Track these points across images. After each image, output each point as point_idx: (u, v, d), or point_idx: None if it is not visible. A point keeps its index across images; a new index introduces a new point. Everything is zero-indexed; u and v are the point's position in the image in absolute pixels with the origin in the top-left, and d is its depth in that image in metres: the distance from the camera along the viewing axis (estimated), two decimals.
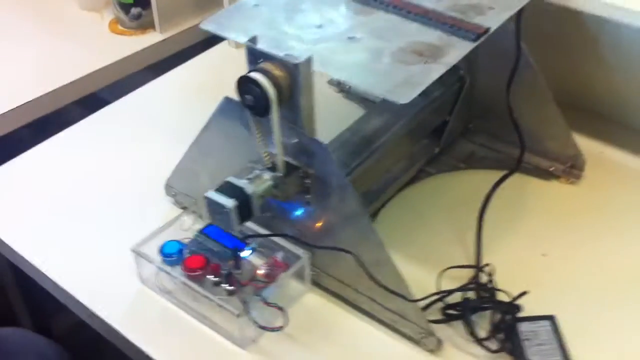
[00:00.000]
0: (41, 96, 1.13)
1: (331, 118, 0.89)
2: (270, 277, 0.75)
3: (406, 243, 0.84)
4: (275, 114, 0.66)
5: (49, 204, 0.92)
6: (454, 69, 0.91)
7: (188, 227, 0.82)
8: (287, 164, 0.71)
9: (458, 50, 0.69)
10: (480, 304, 0.75)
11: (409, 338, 0.73)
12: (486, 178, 0.91)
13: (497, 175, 0.91)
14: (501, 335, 0.73)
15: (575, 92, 1.02)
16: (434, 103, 0.91)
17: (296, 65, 0.64)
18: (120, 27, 1.29)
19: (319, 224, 0.74)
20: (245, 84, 0.65)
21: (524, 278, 0.78)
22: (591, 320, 0.75)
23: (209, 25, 0.75)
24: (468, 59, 0.91)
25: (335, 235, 0.73)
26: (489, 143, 0.96)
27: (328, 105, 1.02)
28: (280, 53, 0.65)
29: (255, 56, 0.67)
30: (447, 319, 0.75)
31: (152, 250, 0.79)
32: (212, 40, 1.20)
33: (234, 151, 0.77)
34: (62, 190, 0.94)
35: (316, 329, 0.76)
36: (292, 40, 0.72)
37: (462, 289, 0.76)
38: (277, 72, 0.65)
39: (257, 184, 0.69)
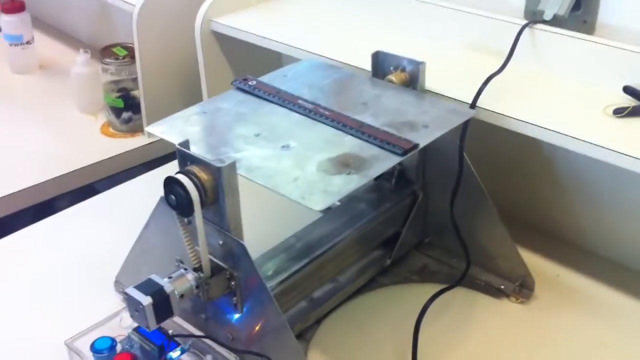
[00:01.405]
0: (33, 186, 1.21)
1: (291, 224, 0.91)
2: None
3: (347, 355, 0.84)
4: (198, 215, 0.68)
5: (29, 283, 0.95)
6: (408, 183, 0.94)
7: (128, 325, 0.83)
8: (213, 264, 0.72)
9: (382, 163, 0.71)
10: None
11: None
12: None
13: (448, 290, 0.91)
14: None
15: (532, 212, 1.02)
16: (384, 215, 0.92)
17: (219, 169, 0.67)
18: (111, 130, 1.35)
19: (246, 328, 0.75)
20: (170, 184, 0.68)
21: None
22: None
23: (154, 128, 0.79)
24: (422, 174, 0.94)
25: (260, 341, 0.73)
26: (443, 258, 0.97)
27: (293, 213, 1.04)
28: (206, 157, 0.68)
29: (185, 159, 0.70)
30: None
31: (87, 345, 0.79)
32: None
33: (169, 249, 0.78)
34: (39, 273, 0.97)
35: None
36: (226, 146, 0.75)
37: None
38: (202, 175, 0.68)
39: (179, 284, 0.70)
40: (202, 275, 0.71)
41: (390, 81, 0.87)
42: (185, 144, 0.71)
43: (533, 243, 0.98)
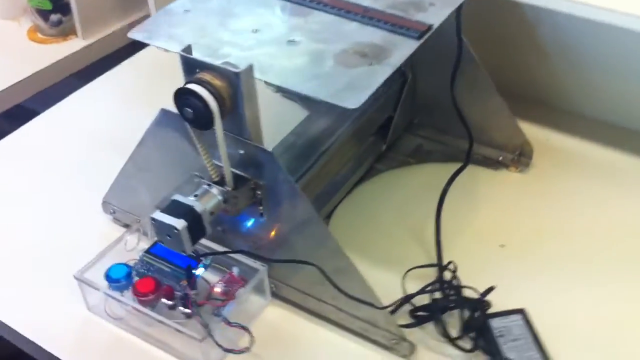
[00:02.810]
0: None
1: (272, 121, 0.88)
2: (228, 295, 0.74)
3: (362, 246, 0.84)
4: (218, 127, 0.65)
5: None
6: None
7: (133, 247, 0.81)
8: (236, 176, 0.70)
9: (402, 50, 0.69)
10: (448, 303, 0.76)
11: (381, 345, 0.74)
12: (435, 172, 0.93)
13: (446, 168, 0.93)
14: (473, 334, 0.74)
15: (517, 81, 1.04)
16: (378, 101, 0.91)
17: (237, 74, 0.64)
18: (40, 35, 1.25)
19: (273, 236, 0.74)
20: (184, 96, 0.64)
21: (486, 271, 0.80)
22: (558, 308, 0.77)
23: (138, 34, 0.74)
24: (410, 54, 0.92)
25: (292, 246, 0.73)
26: (436, 136, 0.98)
27: (267, 107, 1.02)
28: (218, 62, 0.65)
29: (192, 66, 0.66)
30: (418, 322, 0.75)
31: (97, 275, 0.77)
32: (139, 44, 1.18)
33: (173, 165, 0.76)
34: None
35: (282, 343, 0.75)
36: (227, 47, 0.71)
37: (428, 290, 0.77)
38: (217, 82, 0.65)
39: (206, 201, 0.68)
40: (228, 189, 0.69)
41: None
42: (188, 49, 0.66)
43: (521, 112, 1.00)
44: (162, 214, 0.66)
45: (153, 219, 0.66)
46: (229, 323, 0.72)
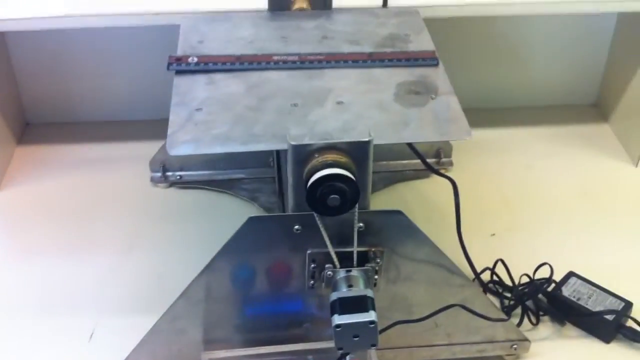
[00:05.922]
0: None
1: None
2: None
3: None
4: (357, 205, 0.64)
5: None
6: None
7: None
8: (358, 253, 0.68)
9: (439, 78, 0.75)
10: (529, 292, 0.85)
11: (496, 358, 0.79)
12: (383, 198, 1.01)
13: (388, 193, 1.01)
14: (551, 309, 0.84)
15: None
16: None
17: (368, 143, 0.63)
18: None
19: (388, 300, 0.74)
20: (327, 185, 0.61)
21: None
22: (578, 256, 0.91)
23: (183, 148, 0.65)
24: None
25: (409, 301, 0.74)
26: None
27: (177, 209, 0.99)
28: (341, 138, 0.63)
29: (307, 154, 0.63)
30: (522, 319, 0.83)
31: None
32: None
33: (255, 276, 0.70)
34: None
35: None
36: (292, 126, 0.67)
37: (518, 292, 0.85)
38: (343, 159, 0.63)
39: (359, 285, 0.66)
40: (367, 267, 0.68)
41: (301, 8, 0.87)
42: (294, 138, 0.63)
43: None
44: (345, 316, 0.62)
45: (340, 325, 0.62)
46: None
